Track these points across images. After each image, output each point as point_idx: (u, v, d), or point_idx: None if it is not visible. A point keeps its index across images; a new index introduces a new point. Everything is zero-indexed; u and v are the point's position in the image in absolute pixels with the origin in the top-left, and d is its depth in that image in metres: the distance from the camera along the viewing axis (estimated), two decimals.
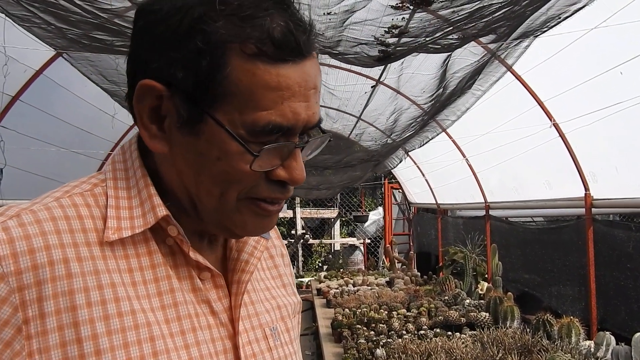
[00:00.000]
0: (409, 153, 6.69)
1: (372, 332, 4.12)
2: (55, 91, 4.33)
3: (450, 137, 5.33)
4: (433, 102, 3.38)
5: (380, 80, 3.94)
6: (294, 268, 7.53)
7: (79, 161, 5.63)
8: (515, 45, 2.26)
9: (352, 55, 2.27)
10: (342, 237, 11.98)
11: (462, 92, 3.02)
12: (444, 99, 3.24)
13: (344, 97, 4.92)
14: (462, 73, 2.73)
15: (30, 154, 4.43)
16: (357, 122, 5.44)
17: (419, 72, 3.23)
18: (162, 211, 0.66)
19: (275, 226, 0.84)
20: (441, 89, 3.11)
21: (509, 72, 3.75)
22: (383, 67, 3.35)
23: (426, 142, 4.76)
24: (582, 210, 3.98)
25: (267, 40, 0.61)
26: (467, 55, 2.57)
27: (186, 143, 0.64)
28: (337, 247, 11.66)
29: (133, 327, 0.63)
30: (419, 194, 8.54)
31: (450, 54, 2.41)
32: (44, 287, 0.59)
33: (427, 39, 2.03)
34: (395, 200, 11.02)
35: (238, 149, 0.63)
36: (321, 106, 5.91)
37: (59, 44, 2.25)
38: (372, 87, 3.96)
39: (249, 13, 0.61)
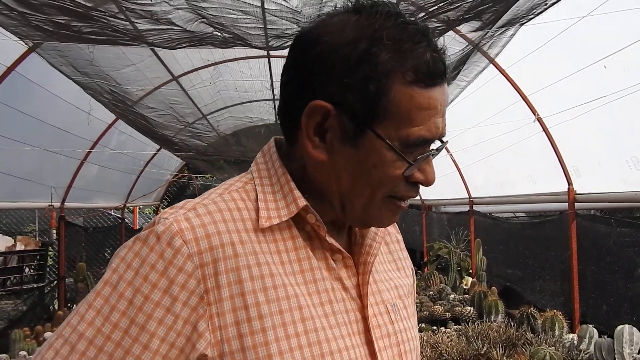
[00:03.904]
0: None
1: None
2: (29, 89, 4.19)
3: None
4: None
5: None
6: None
7: (59, 161, 5.49)
8: (500, 33, 2.22)
9: None
10: None
11: (447, 83, 2.98)
12: None
13: None
14: (446, 62, 2.68)
15: (5, 154, 4.30)
16: None
17: None
18: (302, 202, 0.79)
19: None
20: None
21: (494, 67, 3.75)
22: None
23: None
24: (565, 205, 4.00)
25: (424, 68, 0.73)
26: (452, 44, 2.52)
27: (346, 153, 0.77)
28: None
29: (285, 298, 0.76)
30: None
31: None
32: (218, 264, 0.73)
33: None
34: None
35: (393, 158, 0.76)
36: None
37: (24, 32, 2.13)
38: None
39: (407, 46, 0.74)
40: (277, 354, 0.74)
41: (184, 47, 2.17)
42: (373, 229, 0.89)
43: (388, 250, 0.98)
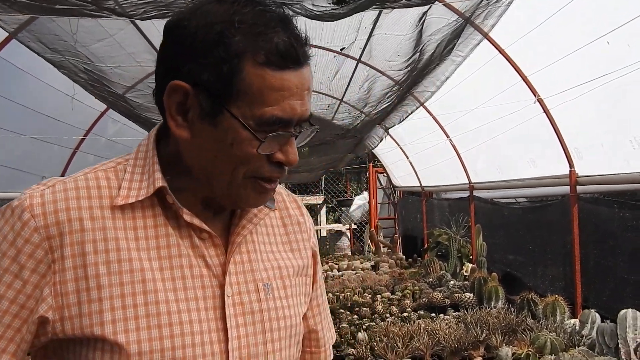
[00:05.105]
0: (392, 135, 6.56)
1: (356, 316, 4.03)
2: (16, 75, 4.08)
3: (430, 113, 5.21)
4: (409, 68, 3.18)
5: (346, 47, 3.67)
6: None
7: (52, 150, 5.39)
8: (495, 2, 2.09)
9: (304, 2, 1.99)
10: (329, 224, 11.88)
11: (441, 58, 2.84)
12: (422, 66, 3.05)
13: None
14: (440, 35, 2.54)
15: None
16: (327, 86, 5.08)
17: (391, 33, 3.01)
18: (159, 183, 0.84)
19: (300, 202, 1.08)
20: (417, 53, 2.92)
21: (493, 47, 3.63)
22: (350, 30, 3.08)
23: (406, 117, 4.60)
24: (567, 189, 3.90)
25: (274, 51, 0.79)
26: (445, 14, 2.40)
27: (206, 131, 0.82)
28: (324, 233, 11.56)
29: (129, 271, 0.82)
30: (403, 177, 8.46)
31: (426, 12, 2.23)
32: (64, 237, 0.81)
33: None
34: (380, 184, 10.94)
35: (248, 136, 0.80)
36: None
37: None
38: (341, 49, 3.72)
39: (260, 30, 0.79)
40: (110, 322, 0.80)
41: (155, 17, 2.03)
42: (254, 211, 0.93)
43: (285, 232, 1.02)
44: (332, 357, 1.13)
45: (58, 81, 4.33)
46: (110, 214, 0.84)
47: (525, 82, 3.86)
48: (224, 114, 0.80)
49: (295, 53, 0.80)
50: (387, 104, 4.08)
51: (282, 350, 0.93)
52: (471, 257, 5.51)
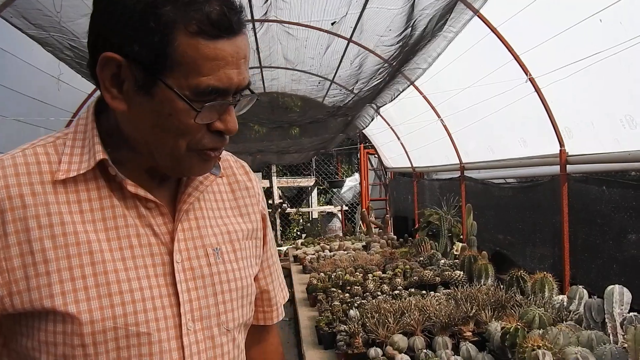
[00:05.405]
0: (383, 116, 6.53)
1: (347, 295, 4.07)
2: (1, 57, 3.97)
3: (421, 92, 5.19)
4: (401, 44, 3.15)
5: (336, 22, 3.63)
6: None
7: (39, 134, 5.29)
8: None
9: None
10: (320, 205, 11.90)
11: (433, 34, 2.81)
12: (413, 42, 3.02)
13: (300, 40, 4.56)
14: (432, 10, 2.52)
15: None
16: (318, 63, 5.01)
17: (383, 7, 2.97)
18: (100, 156, 0.84)
19: (247, 167, 1.09)
20: (409, 29, 2.89)
21: (485, 26, 3.60)
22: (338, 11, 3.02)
23: (397, 95, 4.57)
24: (557, 169, 3.92)
25: (206, 21, 0.78)
26: None
27: (143, 103, 0.81)
28: (315, 215, 11.60)
29: (75, 244, 0.82)
30: (394, 158, 8.47)
31: None
32: (5, 215, 0.80)
33: None
34: (372, 165, 10.94)
35: (184, 107, 0.80)
36: (279, 68, 5.54)
37: None
38: (332, 23, 3.69)
39: None
40: (59, 294, 0.80)
41: None
42: (200, 178, 0.94)
43: (234, 197, 1.04)
44: (283, 315, 1.17)
45: (43, 61, 4.23)
46: (52, 189, 0.83)
47: (517, 61, 3.85)
48: (159, 85, 0.79)
49: (228, 22, 0.79)
50: (378, 81, 4.06)
51: (234, 310, 0.95)
52: (461, 236, 5.56)
